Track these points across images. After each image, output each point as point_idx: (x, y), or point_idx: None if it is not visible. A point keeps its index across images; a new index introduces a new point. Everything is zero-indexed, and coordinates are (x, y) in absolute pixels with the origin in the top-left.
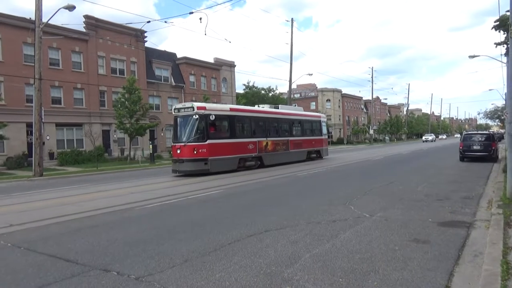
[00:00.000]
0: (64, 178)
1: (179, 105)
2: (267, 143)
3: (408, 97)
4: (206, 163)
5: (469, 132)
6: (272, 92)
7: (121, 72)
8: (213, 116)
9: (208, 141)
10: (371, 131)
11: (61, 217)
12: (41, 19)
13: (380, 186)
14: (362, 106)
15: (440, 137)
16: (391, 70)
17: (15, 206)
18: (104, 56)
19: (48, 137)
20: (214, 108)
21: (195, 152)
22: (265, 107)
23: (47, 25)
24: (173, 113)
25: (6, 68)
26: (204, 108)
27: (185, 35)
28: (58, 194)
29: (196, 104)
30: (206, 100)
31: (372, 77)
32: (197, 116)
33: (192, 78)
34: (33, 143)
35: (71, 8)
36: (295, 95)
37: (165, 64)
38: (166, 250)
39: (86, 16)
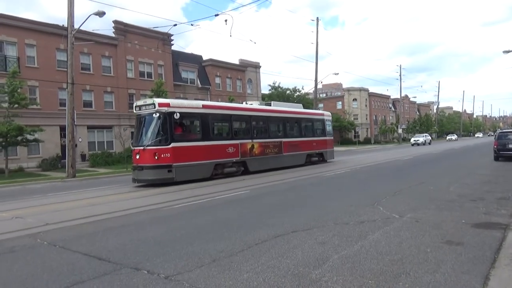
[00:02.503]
0: (95, 179)
1: (139, 102)
2: (252, 145)
3: (438, 95)
4: (170, 170)
5: (504, 130)
6: (297, 92)
7: (149, 75)
8: (178, 114)
9: (173, 144)
10: (400, 130)
11: (93, 216)
12: (73, 26)
13: (409, 187)
14: (390, 105)
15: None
16: (421, 68)
17: (50, 205)
18: (132, 60)
19: (80, 140)
20: (181, 104)
21: (156, 157)
22: (253, 104)
23: (79, 31)
24: (134, 111)
25: (41, 74)
26: (167, 104)
27: (211, 37)
28: (91, 194)
29: (157, 100)
30: (231, 101)
31: (400, 75)
32: (158, 114)
33: (217, 80)
34: (66, 145)
35: (101, 14)
36: (320, 95)
37: (191, 67)
38: (194, 250)
39: (115, 22)
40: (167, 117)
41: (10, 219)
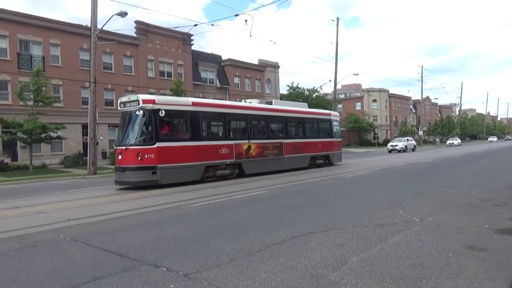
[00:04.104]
0: None
1: (124, 98)
2: (249, 146)
3: (460, 97)
4: (154, 172)
5: None
6: (316, 93)
7: (169, 74)
8: (163, 112)
9: (158, 144)
10: (421, 132)
11: (113, 213)
12: (96, 26)
13: (430, 190)
14: (411, 107)
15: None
16: (443, 69)
17: (72, 202)
18: (153, 59)
19: (101, 138)
20: (169, 101)
21: (139, 158)
22: (253, 102)
23: (101, 31)
24: (119, 107)
25: (65, 73)
26: (152, 101)
27: (231, 37)
28: (111, 191)
29: (142, 97)
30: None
31: (421, 76)
32: (142, 112)
33: (236, 80)
34: (88, 143)
35: (123, 14)
36: (339, 96)
37: (210, 66)
38: (213, 249)
39: (137, 22)
40: (152, 115)
41: (34, 214)
